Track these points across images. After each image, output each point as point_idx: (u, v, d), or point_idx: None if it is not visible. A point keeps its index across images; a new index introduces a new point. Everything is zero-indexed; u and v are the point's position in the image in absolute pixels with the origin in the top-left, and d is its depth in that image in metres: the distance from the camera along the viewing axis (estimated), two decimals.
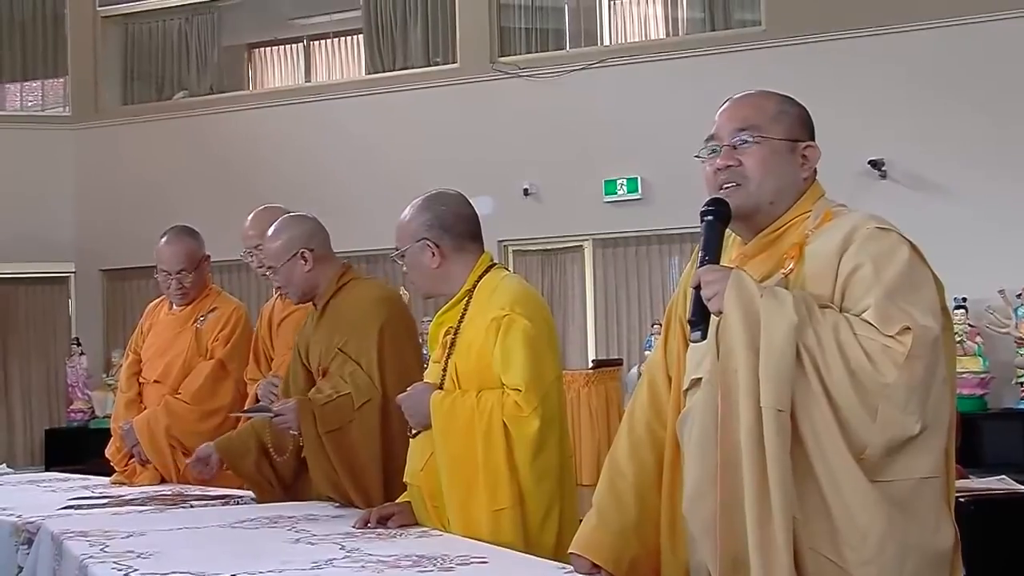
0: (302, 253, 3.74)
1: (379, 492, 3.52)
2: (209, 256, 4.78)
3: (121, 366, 5.15)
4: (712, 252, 2.30)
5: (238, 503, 3.87)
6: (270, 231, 3.86)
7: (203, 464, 3.94)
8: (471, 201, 3.30)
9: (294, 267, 3.75)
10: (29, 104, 16.07)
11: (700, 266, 2.27)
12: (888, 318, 2.11)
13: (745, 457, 2.10)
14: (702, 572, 2.32)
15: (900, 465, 2.13)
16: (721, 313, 2.18)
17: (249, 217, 4.47)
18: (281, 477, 3.86)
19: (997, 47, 10.98)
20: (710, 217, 2.33)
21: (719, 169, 2.40)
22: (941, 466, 2.18)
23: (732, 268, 2.26)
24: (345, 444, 3.54)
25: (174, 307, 4.79)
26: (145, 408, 4.69)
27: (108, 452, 4.78)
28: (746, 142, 2.38)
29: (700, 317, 2.23)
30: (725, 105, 2.47)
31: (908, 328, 2.09)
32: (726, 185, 2.38)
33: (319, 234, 3.84)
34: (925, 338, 2.10)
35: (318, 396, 3.59)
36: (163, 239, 4.72)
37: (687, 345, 2.44)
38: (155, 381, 4.71)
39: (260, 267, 4.14)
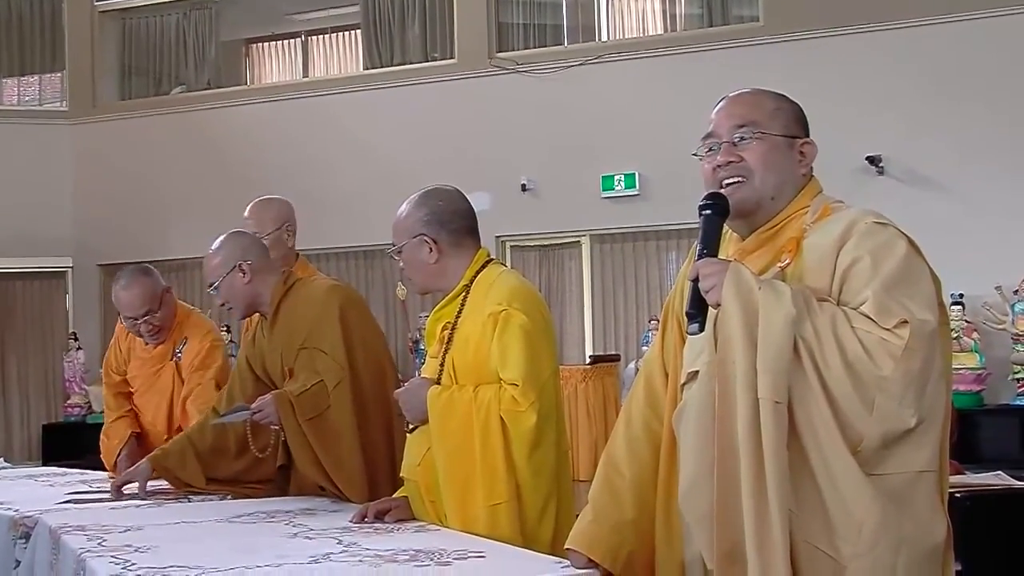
0: (240, 266, 3.80)
1: (362, 475, 3.58)
2: (169, 288, 4.69)
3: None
4: (710, 245, 2.31)
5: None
6: (210, 250, 3.91)
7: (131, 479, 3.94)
8: (468, 197, 3.30)
9: (233, 281, 3.81)
10: (26, 99, 16.06)
11: (698, 259, 2.28)
12: (886, 311, 2.12)
13: (742, 449, 2.11)
14: (697, 565, 2.33)
15: (896, 459, 2.14)
16: (719, 305, 2.19)
17: (248, 209, 4.51)
18: (228, 472, 3.90)
19: (995, 43, 10.99)
20: (708, 211, 2.34)
21: (719, 166, 2.40)
22: (936, 460, 2.19)
23: (730, 260, 2.27)
24: (326, 430, 3.61)
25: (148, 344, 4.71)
26: (139, 423, 4.70)
27: (103, 456, 4.75)
28: (746, 138, 2.39)
29: (698, 309, 2.24)
30: (722, 103, 2.48)
31: (905, 321, 2.10)
32: (729, 181, 2.39)
33: (256, 247, 3.92)
34: (922, 331, 2.11)
35: (292, 388, 3.64)
36: (118, 285, 4.58)
37: (684, 341, 2.45)
38: (150, 423, 4.68)
39: None
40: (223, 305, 3.90)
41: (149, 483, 4.03)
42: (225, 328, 12.66)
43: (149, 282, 4.58)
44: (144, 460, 4.00)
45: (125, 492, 3.91)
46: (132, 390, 4.76)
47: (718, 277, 2.19)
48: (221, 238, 3.93)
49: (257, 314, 3.93)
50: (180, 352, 4.63)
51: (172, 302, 4.68)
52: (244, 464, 3.87)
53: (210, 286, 3.88)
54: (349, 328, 3.71)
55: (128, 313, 4.58)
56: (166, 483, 4.05)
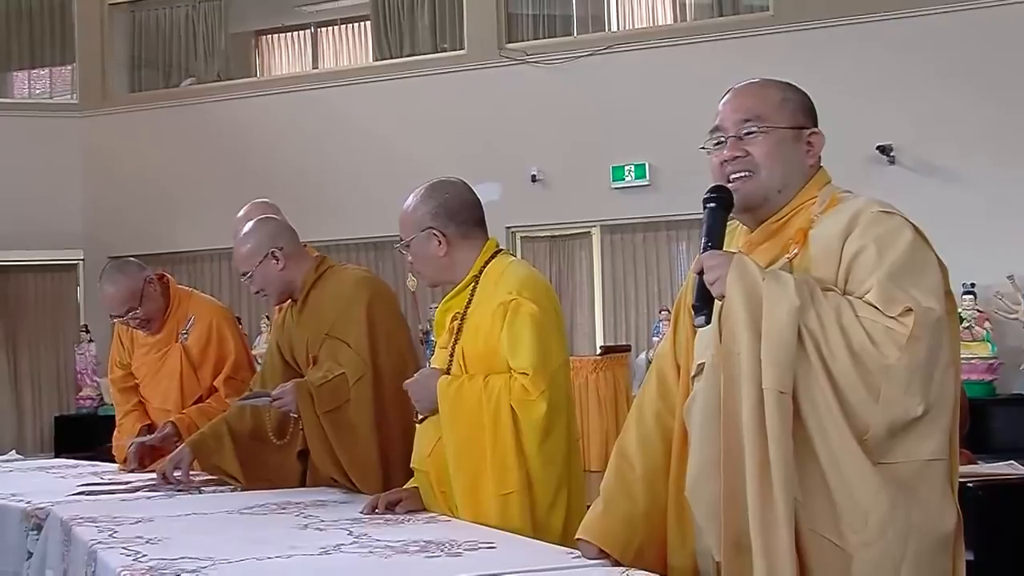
0: (272, 253, 3.78)
1: (377, 470, 3.57)
2: (152, 279, 4.60)
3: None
4: (715, 238, 2.31)
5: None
6: (238, 238, 3.87)
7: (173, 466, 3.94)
8: (478, 188, 3.30)
9: (267, 268, 3.78)
10: (37, 91, 16.10)
11: (702, 252, 2.28)
12: (890, 299, 2.12)
13: (747, 440, 2.11)
14: (708, 556, 2.34)
15: (903, 447, 2.14)
16: (724, 297, 2.19)
17: (239, 215, 4.45)
18: (263, 460, 3.89)
19: (1007, 32, 10.95)
20: (712, 204, 2.34)
21: (726, 160, 2.40)
22: (945, 449, 2.18)
23: (735, 252, 2.27)
24: (343, 423, 3.60)
25: None
26: (149, 415, 4.67)
27: (114, 451, 4.74)
28: (752, 132, 2.39)
29: (703, 302, 2.24)
30: (727, 96, 2.47)
31: (910, 309, 2.10)
32: (736, 175, 2.38)
33: (286, 232, 3.88)
34: (927, 319, 2.10)
35: (314, 377, 3.63)
36: (101, 283, 4.57)
37: (695, 334, 2.45)
38: (160, 408, 4.64)
39: None
40: (257, 293, 3.88)
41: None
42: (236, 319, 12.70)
43: (125, 279, 4.54)
44: (184, 446, 3.98)
45: (176, 478, 3.90)
46: (138, 381, 4.75)
47: (722, 269, 2.20)
48: (249, 225, 3.89)
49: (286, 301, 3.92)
50: (186, 333, 4.61)
51: (158, 292, 4.61)
52: (283, 456, 3.85)
53: (244, 275, 3.84)
54: (375, 323, 3.69)
55: (113, 313, 4.59)
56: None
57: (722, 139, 2.42)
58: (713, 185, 2.38)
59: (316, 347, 3.73)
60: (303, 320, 3.80)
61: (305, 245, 4.40)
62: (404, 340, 3.83)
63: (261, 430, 3.87)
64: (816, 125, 2.44)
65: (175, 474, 3.89)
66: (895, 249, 2.19)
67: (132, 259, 4.73)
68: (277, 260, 3.78)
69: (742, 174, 2.38)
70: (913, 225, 2.24)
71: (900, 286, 2.14)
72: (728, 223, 2.39)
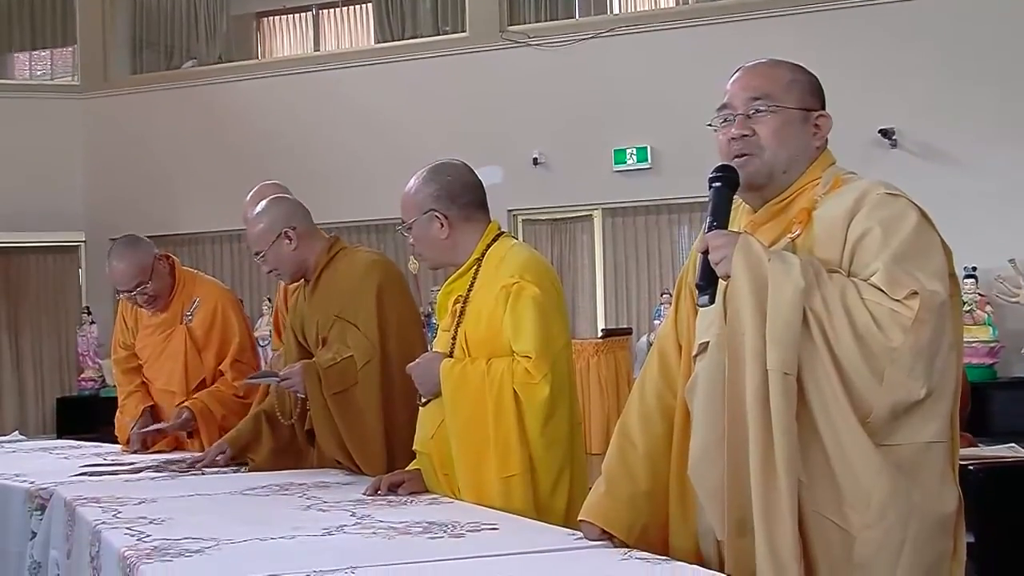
0: (285, 233, 3.76)
1: (382, 455, 3.57)
2: (163, 255, 4.62)
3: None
4: (720, 218, 2.31)
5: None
6: (251, 217, 3.86)
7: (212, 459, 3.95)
8: (480, 171, 3.30)
9: (280, 248, 3.77)
10: (38, 73, 16.08)
11: (708, 231, 2.28)
12: (895, 282, 2.12)
13: (750, 420, 2.12)
14: (710, 535, 2.34)
15: (906, 430, 2.14)
16: (729, 277, 2.19)
17: (248, 196, 4.44)
18: (297, 445, 3.89)
19: (1010, 16, 10.93)
20: (718, 183, 2.34)
21: (733, 139, 2.40)
22: (947, 431, 2.19)
23: (740, 232, 2.27)
24: (350, 406, 3.59)
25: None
26: (151, 396, 4.67)
27: (117, 431, 4.74)
28: (760, 111, 2.39)
29: (708, 281, 2.24)
30: (737, 74, 2.47)
31: (915, 292, 2.10)
32: (742, 153, 2.38)
33: (299, 211, 3.87)
34: (932, 303, 2.11)
35: (322, 359, 3.62)
36: (110, 258, 4.57)
37: (697, 314, 2.45)
38: (163, 389, 4.64)
39: None
40: (270, 272, 3.88)
41: (164, 457, 4.06)
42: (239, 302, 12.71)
43: (136, 254, 4.54)
44: (222, 440, 3.98)
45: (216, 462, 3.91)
46: (141, 362, 4.75)
47: (728, 249, 2.20)
48: (262, 204, 3.88)
49: (292, 282, 3.91)
50: (191, 315, 4.61)
51: (166, 271, 4.61)
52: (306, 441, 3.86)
53: (256, 254, 3.83)
54: (385, 306, 3.67)
55: (122, 288, 4.57)
56: (177, 456, 4.07)
57: (730, 117, 2.42)
58: (719, 164, 2.38)
59: (326, 328, 3.72)
60: (314, 301, 3.79)
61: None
62: (414, 324, 3.81)
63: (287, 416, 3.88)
64: (824, 108, 2.44)
65: (217, 459, 3.92)
66: (900, 232, 2.19)
67: (141, 236, 4.74)
68: (290, 240, 3.77)
69: (748, 153, 2.38)
70: (918, 207, 2.24)
71: (905, 269, 2.14)
72: (732, 202, 2.39)
